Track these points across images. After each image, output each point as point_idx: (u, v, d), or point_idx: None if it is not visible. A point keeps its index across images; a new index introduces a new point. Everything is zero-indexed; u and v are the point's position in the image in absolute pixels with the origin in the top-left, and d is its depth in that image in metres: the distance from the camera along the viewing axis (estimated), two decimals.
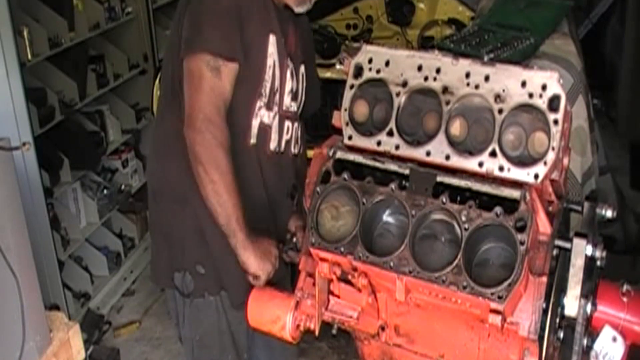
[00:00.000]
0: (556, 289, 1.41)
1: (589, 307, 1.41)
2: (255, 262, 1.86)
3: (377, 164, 1.48)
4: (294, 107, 2.06)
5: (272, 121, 2.00)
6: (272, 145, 2.02)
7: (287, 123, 2.05)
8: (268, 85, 1.95)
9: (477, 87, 1.41)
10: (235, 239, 1.85)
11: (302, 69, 2.10)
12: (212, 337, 2.11)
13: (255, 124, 1.96)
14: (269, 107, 1.97)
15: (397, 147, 1.47)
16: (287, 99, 2.02)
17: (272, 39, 1.93)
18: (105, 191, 3.98)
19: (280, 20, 1.97)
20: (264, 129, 1.98)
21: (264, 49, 1.92)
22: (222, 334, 2.10)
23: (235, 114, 1.90)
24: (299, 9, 2.00)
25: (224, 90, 1.84)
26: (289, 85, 2.01)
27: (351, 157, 1.51)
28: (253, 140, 1.97)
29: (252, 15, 1.88)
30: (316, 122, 2.36)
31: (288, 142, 2.08)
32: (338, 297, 1.62)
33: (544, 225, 1.40)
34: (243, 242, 1.85)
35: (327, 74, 3.49)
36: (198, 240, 2.00)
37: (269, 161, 2.02)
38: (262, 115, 1.97)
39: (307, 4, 2.00)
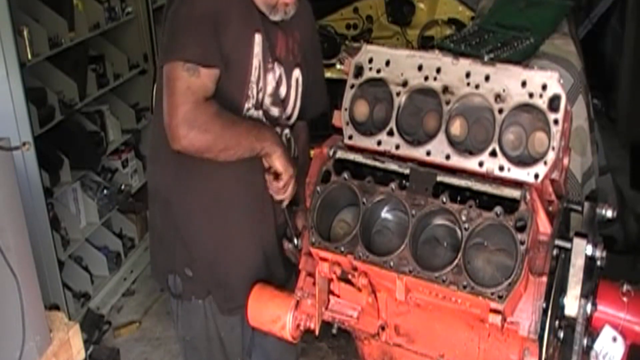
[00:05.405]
0: (556, 289, 1.41)
1: (589, 307, 1.41)
2: (282, 161, 1.89)
3: (377, 164, 1.48)
4: (274, 111, 2.00)
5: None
6: None
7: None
8: (255, 87, 1.91)
9: (477, 87, 1.41)
10: (263, 151, 1.87)
11: (297, 72, 2.04)
12: (200, 341, 2.11)
13: None
14: (257, 107, 1.94)
15: (397, 147, 1.47)
16: (267, 101, 1.97)
17: (257, 38, 1.88)
18: (105, 191, 3.97)
19: (265, 24, 1.91)
20: None
21: (249, 50, 1.87)
22: (211, 340, 2.09)
23: None
24: (273, 17, 1.91)
25: (203, 86, 1.78)
26: (269, 88, 1.95)
27: (351, 156, 1.51)
28: None
29: (232, 17, 1.83)
30: (316, 122, 2.35)
31: None
32: (338, 296, 1.63)
33: (544, 225, 1.40)
34: (270, 147, 1.87)
35: (327, 74, 3.48)
36: (186, 243, 2.01)
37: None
38: (252, 116, 1.94)
39: (281, 13, 1.90)
